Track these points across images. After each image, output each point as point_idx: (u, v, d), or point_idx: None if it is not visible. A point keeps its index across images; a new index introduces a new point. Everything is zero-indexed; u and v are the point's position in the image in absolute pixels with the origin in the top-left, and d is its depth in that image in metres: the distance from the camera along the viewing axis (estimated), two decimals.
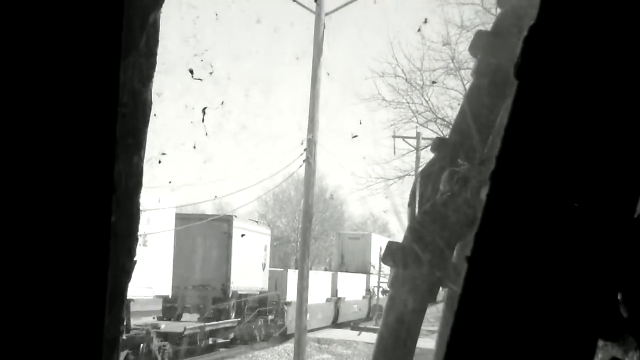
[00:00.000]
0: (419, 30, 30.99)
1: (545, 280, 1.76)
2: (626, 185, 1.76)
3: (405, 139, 42.57)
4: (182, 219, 31.93)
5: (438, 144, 6.58)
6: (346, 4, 30.64)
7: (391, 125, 37.65)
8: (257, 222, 36.69)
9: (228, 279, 33.12)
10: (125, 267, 2.07)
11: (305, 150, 29.35)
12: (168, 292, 30.21)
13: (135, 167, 2.14)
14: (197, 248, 34.10)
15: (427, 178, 6.20)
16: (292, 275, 34.48)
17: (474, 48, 6.33)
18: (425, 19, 30.34)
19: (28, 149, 1.82)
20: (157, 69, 2.15)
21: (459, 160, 6.04)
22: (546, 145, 1.79)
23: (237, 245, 33.61)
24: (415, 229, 6.07)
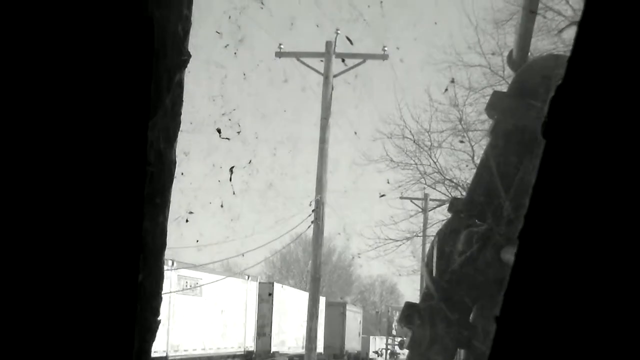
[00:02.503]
0: (446, 90, 31.02)
1: (578, 339, 1.75)
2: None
3: (413, 200, 42.55)
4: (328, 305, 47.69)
5: (455, 204, 6.60)
6: (354, 67, 30.86)
7: (399, 186, 37.65)
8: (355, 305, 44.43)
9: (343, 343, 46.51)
10: (151, 326, 2.06)
11: (313, 211, 29.35)
12: None
13: (161, 227, 2.14)
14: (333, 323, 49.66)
15: (444, 238, 6.20)
16: None
17: (490, 108, 6.37)
18: (453, 79, 30.36)
19: (62, 208, 1.83)
20: (184, 127, 2.16)
21: (476, 220, 6.05)
22: (574, 204, 1.79)
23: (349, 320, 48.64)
24: (445, 288, 6.06)
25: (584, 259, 1.78)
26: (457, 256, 5.95)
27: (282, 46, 30.75)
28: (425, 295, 6.30)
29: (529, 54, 7.03)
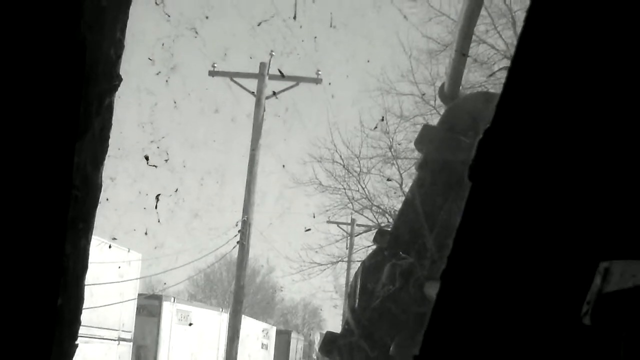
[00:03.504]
0: (375, 127, 31.19)
1: None
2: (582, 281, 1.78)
3: (340, 225, 42.61)
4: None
5: (380, 236, 6.62)
6: (287, 89, 30.92)
7: (327, 210, 37.69)
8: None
9: None
10: (68, 351, 2.04)
11: (239, 232, 29.25)
12: None
13: (82, 251, 2.12)
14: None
15: (368, 271, 6.20)
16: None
17: (419, 142, 6.41)
18: (383, 117, 30.49)
19: None
20: (112, 153, 2.15)
21: (400, 253, 6.07)
22: (496, 246, 1.81)
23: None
24: (365, 325, 6.06)
25: (505, 302, 1.81)
26: (381, 289, 5.97)
27: (215, 65, 30.69)
28: (346, 331, 6.30)
29: (461, 87, 7.10)
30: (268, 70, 29.94)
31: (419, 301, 5.66)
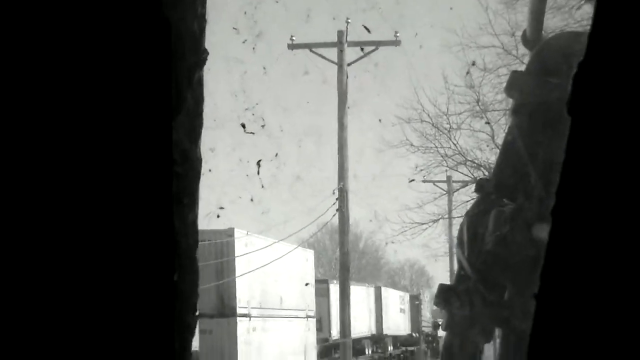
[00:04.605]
0: (467, 73, 30.85)
1: (617, 311, 1.75)
2: None
3: (436, 183, 42.54)
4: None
5: (482, 185, 6.61)
6: (366, 54, 30.81)
7: (421, 170, 37.63)
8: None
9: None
10: (190, 324, 2.08)
11: (337, 199, 29.37)
12: None
13: (192, 225, 2.15)
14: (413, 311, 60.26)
15: (474, 219, 6.20)
16: None
17: (510, 88, 6.35)
18: (474, 62, 30.12)
19: (94, 214, 1.84)
20: (208, 125, 2.17)
21: (504, 200, 6.05)
22: (604, 178, 1.79)
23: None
24: (480, 269, 6.07)
25: (618, 232, 1.78)
26: (488, 236, 5.96)
27: (294, 38, 30.74)
28: (461, 277, 6.31)
29: (543, 32, 7.01)
30: (346, 37, 29.86)
31: (527, 245, 5.64)
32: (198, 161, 2.23)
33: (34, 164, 1.85)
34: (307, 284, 34.54)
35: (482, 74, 31.45)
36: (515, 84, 6.22)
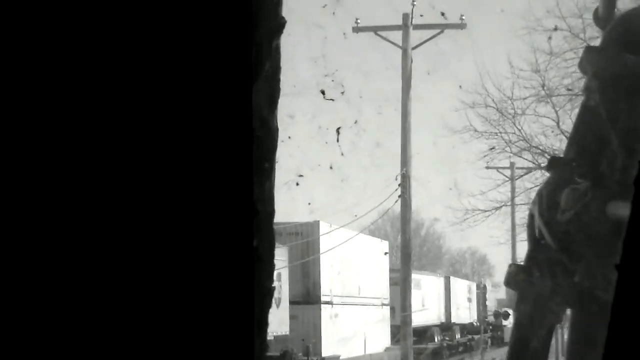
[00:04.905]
0: (549, 38, 30.35)
1: None
2: None
3: (499, 170, 42.20)
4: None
5: (554, 163, 6.56)
6: (431, 38, 30.63)
7: (484, 156, 37.34)
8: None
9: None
10: (268, 290, 2.07)
11: (399, 185, 29.30)
12: None
13: (269, 192, 2.14)
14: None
15: (550, 190, 6.15)
16: None
17: (584, 64, 6.28)
18: (556, 26, 29.47)
19: (172, 178, 1.84)
20: (288, 91, 2.16)
21: (576, 178, 6.00)
22: None
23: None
24: (562, 238, 6.02)
25: None
26: (561, 214, 5.91)
27: (359, 21, 30.64)
28: (541, 246, 6.24)
29: (615, 10, 6.91)
30: (411, 20, 29.72)
31: (602, 222, 5.58)
32: (275, 128, 2.22)
33: (119, 137, 1.86)
34: (386, 253, 35.93)
35: (548, 57, 31.05)
36: (590, 59, 6.15)
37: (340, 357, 33.05)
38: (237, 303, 1.83)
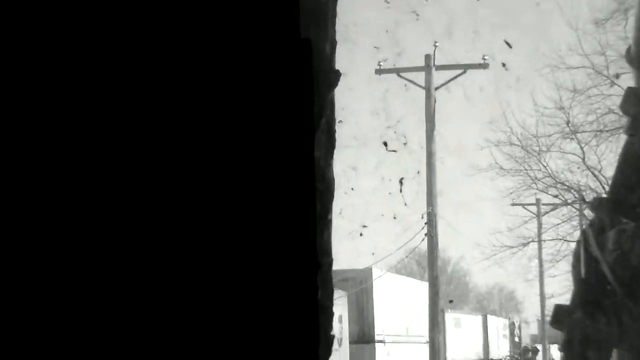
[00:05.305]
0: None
1: None
2: None
3: (525, 206, 42.11)
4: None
5: (598, 204, 6.58)
6: (454, 78, 30.70)
7: (510, 193, 37.34)
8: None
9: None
10: (330, 342, 2.09)
11: (426, 224, 29.28)
12: None
13: (327, 243, 2.17)
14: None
15: (591, 238, 6.15)
16: None
17: (626, 104, 6.30)
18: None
19: (239, 230, 1.87)
20: (350, 143, 2.20)
21: (622, 218, 6.01)
22: None
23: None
24: (627, 283, 6.04)
25: None
26: (609, 254, 5.93)
27: (381, 63, 30.75)
28: (607, 291, 6.24)
29: None
30: (434, 61, 29.83)
31: None
32: (332, 180, 2.25)
33: (183, 184, 1.89)
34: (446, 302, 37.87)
35: (571, 95, 31.09)
36: (631, 99, 6.17)
37: None
38: (303, 354, 1.86)
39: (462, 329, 50.95)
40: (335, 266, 2.23)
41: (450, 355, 46.63)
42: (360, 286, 34.64)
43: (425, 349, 41.79)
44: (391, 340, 36.86)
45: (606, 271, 6.15)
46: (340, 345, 31.64)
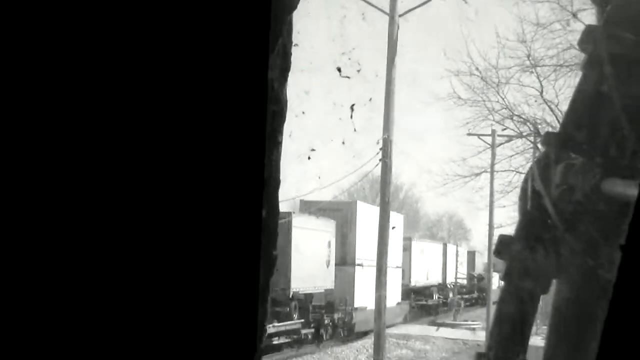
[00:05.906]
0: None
1: None
2: None
3: (481, 137, 42.32)
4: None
5: (547, 139, 6.64)
6: (419, 5, 30.53)
7: (467, 123, 37.45)
8: (316, 216, 38.94)
9: (288, 280, 34.36)
10: (273, 260, 2.14)
11: (381, 149, 29.35)
12: None
13: (276, 164, 2.20)
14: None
15: (539, 172, 6.24)
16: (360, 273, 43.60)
17: (585, 42, 6.33)
18: None
19: (187, 147, 1.90)
20: (305, 67, 2.22)
21: (571, 153, 6.08)
22: None
23: (297, 242, 34.95)
24: (568, 219, 6.12)
25: None
26: (554, 189, 6.02)
27: None
28: (547, 226, 6.33)
29: None
30: None
31: (594, 199, 5.71)
32: (284, 103, 2.27)
33: (134, 127, 1.91)
34: (393, 227, 37.77)
35: (534, 28, 31.05)
36: (590, 37, 6.19)
37: (367, 308, 39.72)
38: (244, 271, 1.90)
39: (425, 256, 57.47)
40: (282, 188, 2.27)
41: (413, 278, 54.29)
42: (347, 217, 40.62)
43: (398, 272, 48.26)
44: (368, 264, 40.41)
45: (548, 206, 6.24)
46: (328, 266, 38.45)
